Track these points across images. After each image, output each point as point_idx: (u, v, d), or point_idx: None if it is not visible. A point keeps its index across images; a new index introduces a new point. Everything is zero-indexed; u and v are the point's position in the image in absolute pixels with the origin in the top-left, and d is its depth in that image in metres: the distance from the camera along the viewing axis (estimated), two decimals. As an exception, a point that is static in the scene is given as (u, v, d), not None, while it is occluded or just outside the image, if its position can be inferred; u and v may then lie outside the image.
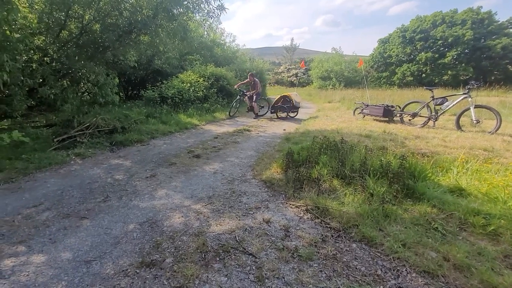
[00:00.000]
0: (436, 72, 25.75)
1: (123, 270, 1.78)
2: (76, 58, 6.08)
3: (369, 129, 6.31)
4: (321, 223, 2.41)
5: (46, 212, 2.53)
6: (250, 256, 1.94)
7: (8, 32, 4.24)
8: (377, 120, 8.07)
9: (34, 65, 5.22)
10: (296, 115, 9.58)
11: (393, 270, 1.82)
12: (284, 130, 7.07)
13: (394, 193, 2.77)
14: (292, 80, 35.50)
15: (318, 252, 1.99)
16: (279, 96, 9.10)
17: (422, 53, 26.16)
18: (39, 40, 5.78)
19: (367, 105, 8.44)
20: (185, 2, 6.03)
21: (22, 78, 4.51)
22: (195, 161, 4.25)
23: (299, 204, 2.73)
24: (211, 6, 6.10)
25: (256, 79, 9.15)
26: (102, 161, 4.15)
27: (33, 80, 4.92)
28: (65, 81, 6.09)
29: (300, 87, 31.27)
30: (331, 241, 2.15)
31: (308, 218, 2.51)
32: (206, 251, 1.98)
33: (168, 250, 2.00)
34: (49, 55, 5.84)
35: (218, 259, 1.91)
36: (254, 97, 9.04)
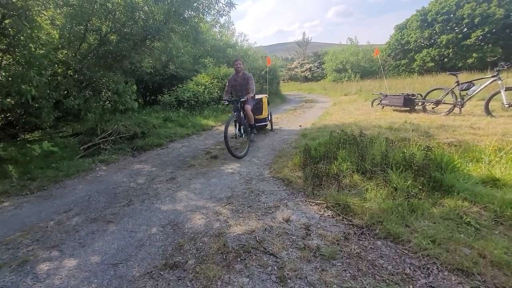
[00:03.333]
0: (460, 56, 24.14)
1: (148, 272, 1.82)
2: (96, 68, 6.34)
3: (389, 120, 6.05)
4: (343, 220, 2.33)
5: (76, 217, 2.66)
6: (271, 256, 1.91)
7: (33, 48, 4.50)
8: (397, 110, 7.72)
9: (58, 78, 5.51)
10: (268, 126, 6.54)
11: (423, 268, 1.71)
12: (300, 126, 6.96)
13: (420, 187, 2.62)
14: (306, 75, 34.89)
15: (341, 251, 1.93)
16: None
17: (443, 36, 24.65)
18: (61, 54, 6.09)
19: (386, 96, 8.10)
20: (195, 4, 6.09)
21: (48, 91, 4.78)
22: (213, 162, 4.29)
23: (319, 201, 2.66)
24: (220, 4, 6.11)
25: (248, 74, 5.36)
26: (124, 166, 4.30)
27: (58, 93, 5.20)
28: (87, 91, 6.39)
29: (314, 82, 30.69)
30: (354, 239, 2.07)
31: (329, 215, 2.44)
32: (227, 252, 1.98)
33: (190, 252, 2.02)
34: (71, 68, 6.14)
35: (239, 259, 1.90)
36: (249, 105, 5.11)
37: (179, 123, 7.17)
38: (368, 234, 2.12)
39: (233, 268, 1.81)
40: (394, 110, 7.78)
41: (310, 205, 2.65)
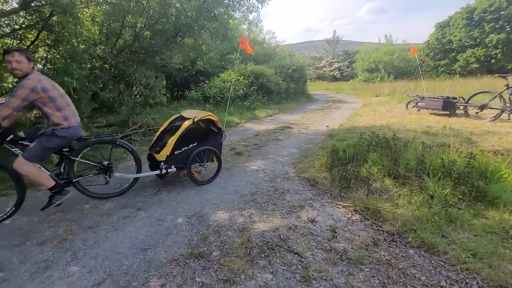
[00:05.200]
0: (510, 57, 22.05)
1: (174, 260, 1.91)
2: (130, 63, 6.73)
3: (426, 124, 5.72)
4: (372, 225, 2.26)
5: (109, 202, 2.85)
6: (296, 255, 1.91)
7: (76, 44, 4.89)
8: (435, 114, 7.27)
9: (96, 72, 5.92)
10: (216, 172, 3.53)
11: (461, 283, 1.61)
12: (327, 126, 6.82)
13: (460, 196, 2.45)
14: (335, 74, 34.00)
15: (370, 256, 1.87)
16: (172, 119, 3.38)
17: (493, 35, 22.64)
18: (100, 50, 6.54)
19: (423, 98, 7.65)
20: (226, 1, 6.21)
21: (87, 84, 5.16)
22: (237, 158, 4.36)
23: (346, 204, 2.60)
24: (251, 1, 6.18)
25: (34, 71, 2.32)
26: (153, 158, 4.52)
27: (96, 86, 5.59)
28: (121, 85, 6.79)
29: (343, 81, 29.82)
30: (384, 245, 2.00)
31: (357, 219, 2.38)
32: (251, 247, 2.02)
33: (215, 244, 2.09)
34: (108, 63, 6.57)
35: (263, 255, 1.92)
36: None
37: (204, 119, 7.37)
38: (400, 241, 2.03)
39: (257, 264, 1.84)
40: (431, 114, 7.33)
41: (337, 207, 2.60)
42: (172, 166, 3.06)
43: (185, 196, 2.98)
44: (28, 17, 4.95)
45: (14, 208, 2.38)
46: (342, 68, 34.02)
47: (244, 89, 10.14)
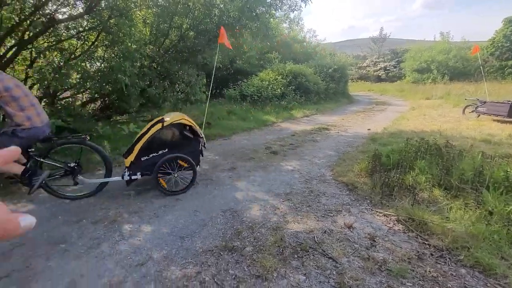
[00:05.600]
0: None
1: (209, 250, 2.01)
2: (175, 62, 7.18)
3: (487, 132, 5.11)
4: (417, 237, 2.10)
5: (151, 191, 3.09)
6: (331, 260, 1.87)
7: (129, 44, 5.37)
8: (498, 121, 6.45)
9: (145, 70, 6.44)
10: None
11: (525, 314, 1.42)
12: (369, 130, 6.48)
13: (528, 215, 2.16)
14: (380, 74, 32.07)
15: (413, 270, 1.75)
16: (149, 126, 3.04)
17: None
18: (149, 49, 7.10)
19: (484, 102, 6.84)
20: (268, 0, 6.27)
21: (137, 81, 5.64)
22: (272, 157, 4.39)
23: (388, 213, 2.46)
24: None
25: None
26: (191, 152, 4.77)
27: (144, 82, 6.07)
28: (166, 82, 7.27)
29: (389, 82, 27.98)
30: (430, 260, 1.85)
31: (399, 230, 2.23)
32: (284, 247, 2.03)
33: (248, 239, 2.14)
34: (155, 61, 7.11)
35: (296, 256, 1.92)
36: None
37: (241, 117, 7.54)
38: (449, 258, 1.86)
39: (290, 263, 1.84)
40: (494, 120, 6.52)
41: (377, 215, 2.47)
42: (137, 173, 2.84)
43: (221, 191, 3.10)
44: (91, 20, 5.57)
45: None
46: (388, 68, 31.94)
47: (282, 88, 10.12)
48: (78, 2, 5.32)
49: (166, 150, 2.88)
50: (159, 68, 7.06)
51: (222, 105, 8.74)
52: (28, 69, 5.26)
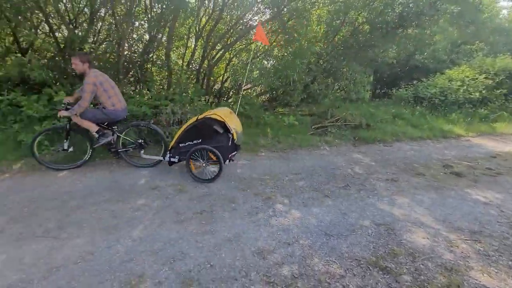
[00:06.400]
0: None
1: (356, 259, 1.87)
2: (342, 58, 7.13)
3: None
4: None
5: (302, 181, 3.28)
6: None
7: (302, 42, 5.84)
8: None
9: (311, 67, 6.84)
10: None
11: None
12: None
13: None
14: None
15: None
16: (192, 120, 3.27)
17: None
18: (317, 46, 7.45)
19: None
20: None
21: (303, 76, 6.10)
22: (453, 179, 3.44)
23: None
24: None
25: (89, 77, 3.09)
26: (344, 152, 4.62)
27: (308, 78, 6.47)
28: (329, 79, 7.41)
29: None
30: None
31: None
32: (461, 297, 1.54)
33: (406, 267, 1.80)
34: (322, 58, 7.38)
35: (482, 319, 1.40)
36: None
37: (411, 123, 6.43)
38: None
39: (470, 324, 1.37)
40: None
41: None
42: (176, 157, 3.25)
43: (375, 200, 2.80)
44: (273, 24, 6.52)
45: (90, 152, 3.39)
46: None
47: (483, 91, 7.62)
48: (266, 10, 6.36)
49: (200, 140, 3.18)
50: (324, 65, 7.26)
51: (386, 107, 7.81)
52: (227, 66, 6.99)
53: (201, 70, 6.56)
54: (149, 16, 5.41)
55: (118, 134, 3.42)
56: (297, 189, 3.03)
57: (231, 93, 7.49)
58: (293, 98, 6.77)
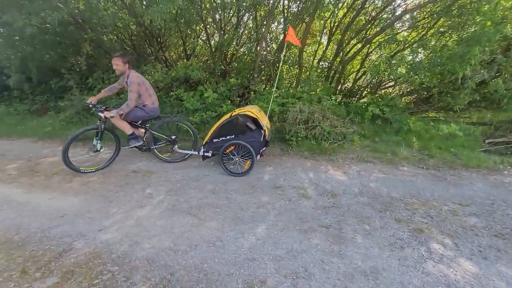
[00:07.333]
0: None
1: None
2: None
3: None
4: None
5: (473, 217, 2.37)
6: None
7: (488, 23, 4.32)
8: None
9: (495, 57, 4.99)
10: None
11: None
12: None
13: None
14: None
15: None
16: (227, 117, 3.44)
17: None
18: (509, 27, 5.37)
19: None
20: None
21: (481, 71, 4.54)
22: None
23: None
24: None
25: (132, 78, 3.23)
26: None
27: (490, 73, 4.74)
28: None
29: None
30: None
31: None
32: None
33: None
34: (513, 44, 5.31)
35: None
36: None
37: None
38: None
39: None
40: None
41: None
42: (210, 152, 3.42)
43: None
44: (435, 6, 5.20)
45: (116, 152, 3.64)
46: None
47: None
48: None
49: (233, 136, 3.36)
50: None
51: None
52: (364, 62, 6.24)
53: (333, 67, 6.20)
54: (285, 15, 5.59)
55: (151, 131, 3.62)
56: (466, 229, 2.20)
57: (364, 92, 6.71)
58: (457, 101, 5.18)
